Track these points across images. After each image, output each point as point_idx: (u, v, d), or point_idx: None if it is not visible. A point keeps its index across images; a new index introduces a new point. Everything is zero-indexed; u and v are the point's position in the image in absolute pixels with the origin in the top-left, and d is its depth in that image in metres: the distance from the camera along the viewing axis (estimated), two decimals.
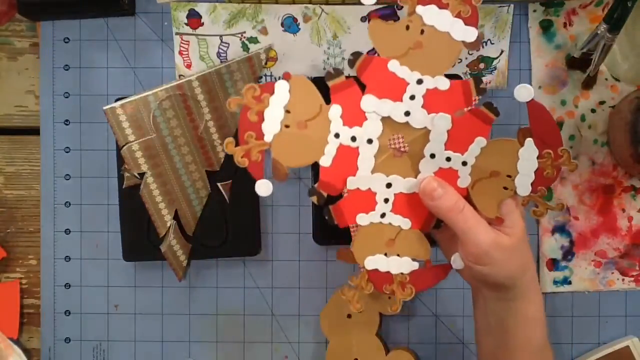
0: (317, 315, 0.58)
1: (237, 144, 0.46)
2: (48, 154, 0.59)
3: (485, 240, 0.44)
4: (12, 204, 0.60)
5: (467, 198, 0.46)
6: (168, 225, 0.56)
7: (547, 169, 0.45)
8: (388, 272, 0.49)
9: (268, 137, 0.46)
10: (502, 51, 0.58)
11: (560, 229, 0.59)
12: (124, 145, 0.54)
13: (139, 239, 0.57)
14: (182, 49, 0.58)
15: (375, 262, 0.49)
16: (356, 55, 0.46)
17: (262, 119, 0.46)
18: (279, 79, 0.58)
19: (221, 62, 0.58)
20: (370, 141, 0.46)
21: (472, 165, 0.46)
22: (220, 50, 0.58)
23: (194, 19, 0.57)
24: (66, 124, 0.59)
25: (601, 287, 0.59)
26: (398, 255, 0.48)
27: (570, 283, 0.59)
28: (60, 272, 0.59)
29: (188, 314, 0.59)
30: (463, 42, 0.45)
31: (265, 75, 0.58)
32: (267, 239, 0.59)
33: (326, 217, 0.48)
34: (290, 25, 0.58)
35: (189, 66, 0.58)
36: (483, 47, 0.58)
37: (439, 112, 0.45)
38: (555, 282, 0.59)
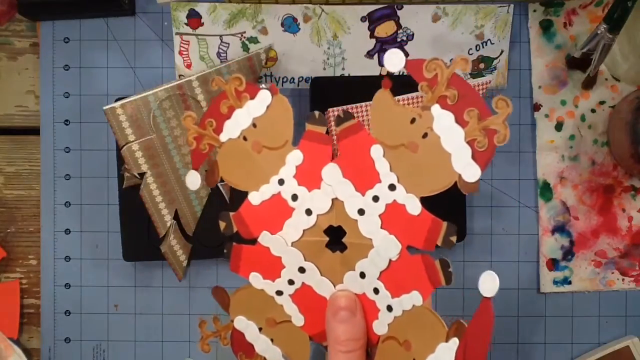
0: None
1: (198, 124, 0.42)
2: (48, 154, 0.59)
3: None
4: (12, 204, 0.60)
5: (373, 351, 0.40)
6: (168, 225, 0.56)
7: (477, 137, 0.35)
8: (252, 345, 0.43)
9: (223, 137, 0.41)
10: (502, 51, 0.58)
11: (560, 229, 0.59)
12: (124, 145, 0.54)
13: (139, 239, 0.57)
14: (182, 49, 0.58)
15: (245, 327, 0.44)
16: (348, 116, 0.38)
17: (229, 116, 0.41)
18: (279, 79, 0.58)
19: (221, 62, 0.58)
20: (309, 212, 0.39)
21: (396, 317, 0.38)
22: (220, 50, 0.58)
23: (194, 19, 0.57)
24: (66, 124, 0.59)
25: (601, 287, 0.59)
26: (271, 340, 0.42)
27: (570, 283, 0.59)
28: (60, 272, 0.59)
29: (188, 314, 0.59)
30: (460, 176, 0.35)
31: (265, 75, 0.58)
32: None
33: (222, 222, 0.42)
34: (290, 25, 0.58)
35: (189, 66, 0.58)
36: (484, 46, 0.58)
37: (393, 233, 0.37)
38: (555, 282, 0.59)
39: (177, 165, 0.56)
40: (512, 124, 0.59)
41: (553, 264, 0.59)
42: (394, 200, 0.37)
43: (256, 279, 0.42)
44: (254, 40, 0.58)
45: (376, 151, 0.37)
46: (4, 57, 0.60)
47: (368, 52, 0.58)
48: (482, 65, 0.58)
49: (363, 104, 0.54)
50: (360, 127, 0.38)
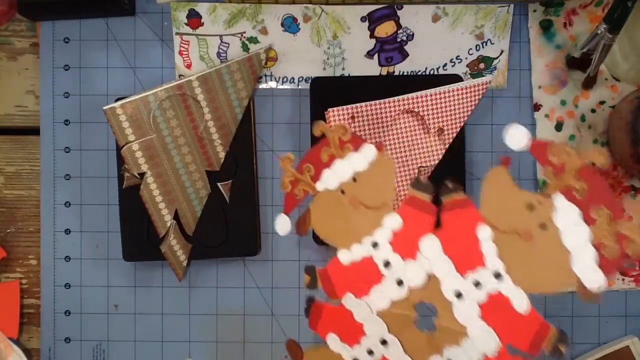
0: None
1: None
2: (48, 154, 0.59)
3: None
4: (12, 204, 0.60)
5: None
6: (168, 225, 0.56)
7: (607, 243, 0.34)
8: None
9: (320, 186, 0.40)
10: (502, 51, 0.58)
11: None
12: (124, 145, 0.54)
13: (139, 239, 0.57)
14: (182, 49, 0.58)
15: None
16: (456, 187, 0.36)
17: (329, 165, 0.39)
18: (279, 79, 0.58)
19: (221, 62, 0.58)
20: (400, 283, 0.38)
21: None
22: (220, 50, 0.58)
23: (194, 19, 0.57)
24: (66, 124, 0.59)
25: None
26: None
27: None
28: (60, 272, 0.59)
29: (188, 314, 0.59)
30: (579, 279, 0.32)
31: (266, 75, 0.58)
32: (267, 239, 0.59)
33: (306, 275, 0.42)
34: (290, 25, 0.58)
35: (189, 66, 0.58)
36: (484, 46, 0.58)
37: (493, 326, 0.35)
38: None
39: (177, 165, 0.56)
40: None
41: None
42: (499, 291, 0.34)
43: (334, 342, 0.41)
44: (254, 40, 0.58)
45: (484, 232, 0.35)
46: (4, 57, 0.60)
47: (368, 52, 0.58)
48: (482, 65, 0.58)
49: (363, 104, 0.54)
50: (469, 203, 0.35)
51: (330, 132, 0.39)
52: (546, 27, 0.58)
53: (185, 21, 0.57)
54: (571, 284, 0.32)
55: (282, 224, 0.41)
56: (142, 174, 0.55)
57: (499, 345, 0.34)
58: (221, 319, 0.59)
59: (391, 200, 0.38)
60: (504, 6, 0.57)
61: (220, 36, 0.58)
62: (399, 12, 0.57)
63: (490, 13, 0.57)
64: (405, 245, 0.37)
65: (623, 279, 0.59)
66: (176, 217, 0.56)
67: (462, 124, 0.55)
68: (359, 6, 0.57)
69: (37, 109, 0.59)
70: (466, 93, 0.55)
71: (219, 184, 0.57)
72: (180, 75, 0.58)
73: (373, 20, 0.57)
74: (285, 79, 0.58)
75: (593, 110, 0.58)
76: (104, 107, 0.54)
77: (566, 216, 0.32)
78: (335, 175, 0.39)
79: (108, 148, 0.59)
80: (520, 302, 0.34)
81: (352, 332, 0.39)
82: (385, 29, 0.57)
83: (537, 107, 0.58)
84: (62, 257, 0.59)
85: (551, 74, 0.58)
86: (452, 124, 0.55)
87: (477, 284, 0.35)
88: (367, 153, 0.38)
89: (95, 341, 0.60)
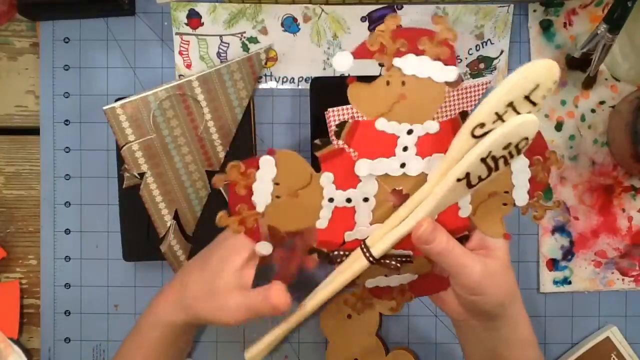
0: (317, 315, 0.58)
1: (230, 215, 0.46)
2: (48, 154, 0.59)
3: (476, 271, 0.44)
4: (12, 204, 0.60)
5: (469, 225, 0.47)
6: (168, 225, 0.56)
7: (539, 174, 0.46)
8: (388, 286, 0.50)
9: (260, 208, 0.46)
10: (502, 51, 0.58)
11: (560, 229, 0.59)
12: (124, 145, 0.54)
13: (139, 239, 0.57)
14: (182, 49, 0.58)
15: (375, 282, 0.50)
16: (341, 125, 0.45)
17: (251, 192, 0.45)
18: (279, 79, 0.58)
19: (221, 62, 0.58)
20: (366, 199, 0.46)
21: (471, 194, 0.46)
22: (220, 50, 0.58)
23: (194, 19, 0.57)
24: (66, 124, 0.59)
25: (601, 287, 0.59)
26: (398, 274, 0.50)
27: (570, 283, 0.59)
28: (60, 272, 0.59)
29: None
30: (445, 82, 0.44)
31: (266, 75, 0.58)
32: None
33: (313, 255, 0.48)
34: (290, 25, 0.58)
35: (189, 66, 0.58)
36: (484, 46, 0.58)
37: (432, 154, 0.45)
38: (555, 282, 0.59)
39: (177, 165, 0.56)
40: None
41: (553, 264, 0.59)
42: (418, 137, 0.45)
43: (326, 179, 0.46)
44: (254, 40, 0.58)
45: (381, 123, 0.45)
46: (4, 57, 0.60)
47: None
48: (482, 65, 0.58)
49: None
50: (357, 123, 0.45)
51: (228, 177, 0.44)
52: (546, 27, 0.58)
53: (185, 21, 0.57)
54: (444, 90, 0.45)
55: (264, 248, 0.47)
56: (142, 174, 0.55)
57: (444, 157, 0.44)
58: None
59: (312, 169, 0.45)
60: (504, 6, 0.57)
61: (220, 36, 0.58)
62: (399, 12, 0.57)
63: (490, 13, 0.57)
64: (348, 181, 0.46)
65: (623, 279, 0.59)
66: (176, 217, 0.56)
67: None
68: (359, 6, 0.57)
69: (37, 109, 0.59)
70: (466, 93, 0.55)
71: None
72: (180, 75, 0.58)
73: (373, 20, 0.57)
74: (285, 79, 0.58)
75: (593, 110, 0.58)
76: (104, 107, 0.54)
77: (408, 64, 0.44)
78: (262, 194, 0.46)
79: (108, 148, 0.59)
80: (433, 126, 0.45)
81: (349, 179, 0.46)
82: None
83: None
84: (62, 257, 0.59)
85: None
86: None
87: (405, 148, 0.45)
88: (266, 163, 0.45)
89: (95, 341, 0.60)
